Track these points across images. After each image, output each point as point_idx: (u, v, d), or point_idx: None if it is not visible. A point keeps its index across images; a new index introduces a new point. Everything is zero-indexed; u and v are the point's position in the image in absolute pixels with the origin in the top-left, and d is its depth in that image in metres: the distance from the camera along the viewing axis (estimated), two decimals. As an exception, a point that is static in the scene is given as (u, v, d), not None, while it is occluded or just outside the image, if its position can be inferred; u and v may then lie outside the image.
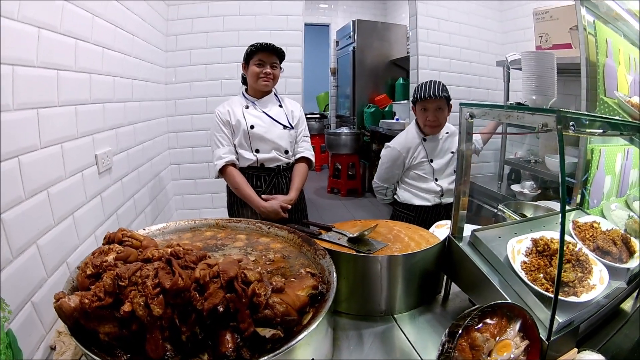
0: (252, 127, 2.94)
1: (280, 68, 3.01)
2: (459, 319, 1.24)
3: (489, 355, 1.23)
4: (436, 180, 3.15)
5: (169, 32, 4.26)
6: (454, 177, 2.98)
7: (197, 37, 4.33)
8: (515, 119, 1.45)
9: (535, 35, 3.81)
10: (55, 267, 1.85)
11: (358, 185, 8.27)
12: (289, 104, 3.16)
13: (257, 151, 2.98)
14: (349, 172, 8.24)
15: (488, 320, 1.28)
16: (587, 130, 1.43)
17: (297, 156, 3.12)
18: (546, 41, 3.66)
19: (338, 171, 8.31)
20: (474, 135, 3.28)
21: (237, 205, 3.07)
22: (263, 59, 2.88)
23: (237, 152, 2.99)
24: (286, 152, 3.06)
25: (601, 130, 1.47)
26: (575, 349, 1.38)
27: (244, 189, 2.90)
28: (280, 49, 2.92)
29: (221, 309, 1.11)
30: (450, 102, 3.09)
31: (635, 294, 1.77)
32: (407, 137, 3.23)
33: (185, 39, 4.32)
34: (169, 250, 1.25)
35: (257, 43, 2.87)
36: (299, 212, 3.15)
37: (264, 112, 3.01)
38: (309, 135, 3.25)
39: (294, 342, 1.11)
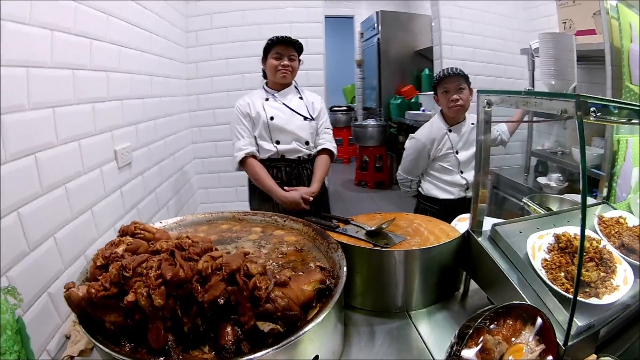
0: (272, 118, 2.94)
1: (300, 60, 3.02)
2: (470, 320, 1.18)
3: (501, 359, 1.18)
4: (462, 172, 3.10)
5: (188, 29, 4.30)
6: None
7: (217, 32, 4.35)
8: (533, 105, 1.39)
9: (558, 21, 3.71)
10: (73, 260, 1.90)
11: (385, 178, 8.19)
12: (309, 96, 3.15)
13: (278, 142, 2.97)
14: (376, 165, 8.17)
15: (502, 322, 1.23)
16: (611, 118, 1.33)
17: (319, 148, 3.09)
18: (570, 27, 3.56)
19: (365, 163, 8.24)
20: (500, 126, 3.24)
21: (258, 197, 3.06)
22: (280, 51, 2.89)
23: (257, 144, 2.99)
24: (307, 143, 3.05)
25: (627, 119, 1.40)
26: (594, 356, 1.31)
27: (264, 179, 2.89)
28: (297, 41, 2.92)
29: (221, 301, 1.11)
30: (471, 86, 3.05)
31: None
32: (431, 128, 3.19)
33: (205, 35, 4.35)
34: (181, 238, 1.27)
35: (273, 37, 2.89)
36: (320, 204, 3.09)
37: (284, 103, 3.00)
38: (330, 127, 3.22)
39: (294, 337, 1.10)
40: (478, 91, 1.62)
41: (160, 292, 1.07)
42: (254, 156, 2.96)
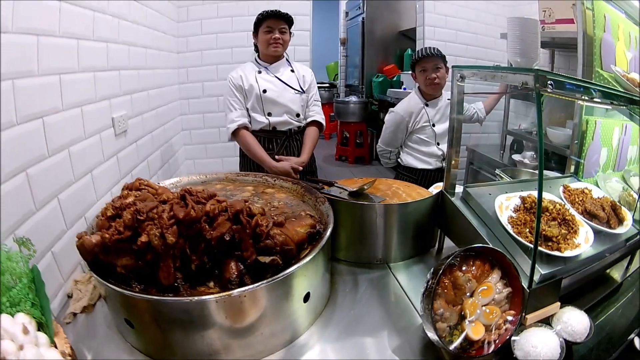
0: (264, 91, 3.00)
1: (290, 33, 3.05)
2: (443, 259, 1.35)
3: (472, 296, 1.34)
4: (438, 144, 3.26)
5: (180, 4, 4.32)
6: None
7: (208, 8, 4.38)
8: (499, 79, 1.54)
9: (539, 9, 3.80)
10: (74, 221, 1.96)
11: (365, 153, 8.35)
12: (300, 69, 3.21)
13: (270, 114, 3.05)
14: (357, 140, 8.31)
15: (471, 263, 1.39)
16: (568, 93, 1.48)
17: (309, 120, 3.17)
18: (549, 16, 3.66)
19: (346, 139, 8.38)
20: (477, 104, 3.39)
21: (249, 168, 3.15)
22: (271, 25, 2.92)
23: (249, 116, 3.06)
24: (297, 115, 3.13)
25: (586, 96, 1.56)
26: (558, 303, 1.47)
27: (255, 150, 2.97)
28: (287, 14, 2.95)
29: (227, 238, 1.26)
30: (447, 65, 3.20)
31: (625, 263, 1.87)
32: (409, 102, 3.34)
33: (196, 10, 4.37)
34: (184, 189, 1.38)
35: (264, 11, 2.92)
36: (309, 174, 3.20)
37: (276, 76, 3.07)
38: (320, 99, 3.30)
39: (289, 270, 1.26)
40: (452, 66, 1.79)
41: (172, 231, 1.21)
42: (246, 127, 3.03)
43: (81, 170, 2.06)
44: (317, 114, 3.21)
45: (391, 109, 3.44)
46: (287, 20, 2.98)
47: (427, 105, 3.28)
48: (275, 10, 2.91)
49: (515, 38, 1.71)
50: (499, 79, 1.55)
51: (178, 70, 4.41)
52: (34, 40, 1.69)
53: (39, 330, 1.20)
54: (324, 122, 3.23)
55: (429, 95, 3.29)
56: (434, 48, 3.19)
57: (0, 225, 1.39)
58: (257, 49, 3.18)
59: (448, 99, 3.24)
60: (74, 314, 1.62)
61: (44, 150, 1.74)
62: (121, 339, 1.46)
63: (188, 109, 4.59)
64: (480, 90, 3.15)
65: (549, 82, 1.30)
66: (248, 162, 3.16)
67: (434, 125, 3.25)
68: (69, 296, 1.77)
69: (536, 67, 1.58)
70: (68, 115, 1.95)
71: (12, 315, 1.17)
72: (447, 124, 3.07)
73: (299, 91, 3.12)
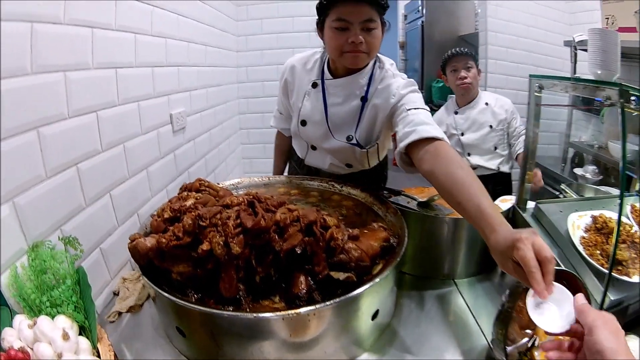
0: (303, 123, 2.13)
1: (384, 23, 1.79)
2: (518, 281, 1.25)
3: None
4: (469, 154, 3.15)
5: (239, 3, 4.30)
6: (493, 154, 3.07)
7: (268, 7, 4.36)
8: (580, 91, 1.48)
9: (601, 17, 3.65)
10: (126, 217, 1.93)
11: (424, 159, 8.15)
12: (383, 90, 1.92)
13: (314, 148, 2.23)
14: (416, 147, 8.16)
15: None
16: None
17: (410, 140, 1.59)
18: (612, 23, 3.52)
19: (405, 145, 8.23)
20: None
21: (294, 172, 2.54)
22: (346, 16, 1.69)
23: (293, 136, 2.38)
24: (349, 165, 2.19)
25: None
26: (622, 332, 1.37)
27: (274, 161, 2.65)
28: None
29: (299, 251, 1.18)
30: (479, 66, 3.16)
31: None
32: (443, 111, 3.32)
33: (256, 9, 4.36)
34: (252, 194, 1.32)
35: None
36: (378, 180, 2.56)
37: (325, 105, 2.02)
38: (419, 107, 1.78)
39: (363, 288, 1.16)
40: (530, 75, 1.69)
41: (238, 240, 1.14)
42: (282, 131, 2.50)
43: (137, 166, 2.04)
44: (423, 124, 1.62)
45: None
46: (376, 3, 1.71)
47: (456, 113, 3.21)
48: None
49: (597, 49, 1.62)
50: (580, 91, 1.49)
51: (237, 69, 4.40)
52: (87, 33, 1.65)
53: (80, 334, 1.17)
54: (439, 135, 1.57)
55: (462, 100, 3.21)
56: (464, 47, 3.14)
57: None
58: None
59: (485, 103, 3.21)
60: (119, 313, 1.59)
61: (97, 145, 1.70)
62: (168, 343, 1.42)
63: (247, 108, 4.58)
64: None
65: (632, 97, 1.24)
66: (294, 164, 2.53)
67: (462, 134, 3.13)
68: (115, 294, 1.74)
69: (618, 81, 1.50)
70: (124, 110, 1.92)
71: (53, 317, 1.14)
72: (480, 133, 3.13)
73: (351, 144, 2.02)
